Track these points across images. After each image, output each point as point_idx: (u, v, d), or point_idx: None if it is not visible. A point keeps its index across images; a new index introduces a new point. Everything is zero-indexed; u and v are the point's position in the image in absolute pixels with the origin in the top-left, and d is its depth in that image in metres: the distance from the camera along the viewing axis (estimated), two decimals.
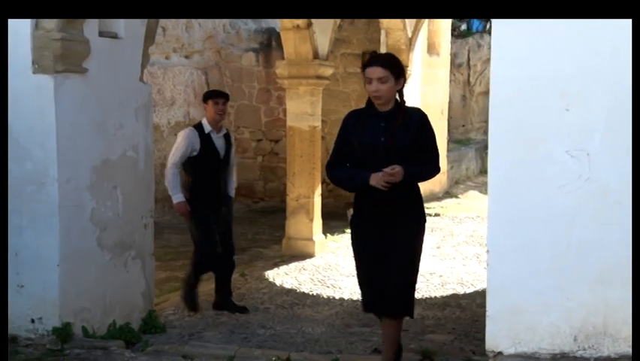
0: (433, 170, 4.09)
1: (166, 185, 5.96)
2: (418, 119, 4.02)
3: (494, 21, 3.63)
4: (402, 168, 3.87)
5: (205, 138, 5.96)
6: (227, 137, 6.18)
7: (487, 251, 3.73)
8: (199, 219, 5.98)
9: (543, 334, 3.65)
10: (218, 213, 6.06)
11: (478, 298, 6.68)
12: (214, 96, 6.09)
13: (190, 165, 5.96)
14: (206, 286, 6.48)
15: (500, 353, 3.67)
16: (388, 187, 3.86)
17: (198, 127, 6.04)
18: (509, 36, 3.60)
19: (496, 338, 3.69)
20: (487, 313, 3.70)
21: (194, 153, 5.93)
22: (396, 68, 3.98)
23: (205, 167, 5.96)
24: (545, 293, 3.63)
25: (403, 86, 4.05)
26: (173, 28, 10.86)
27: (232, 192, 6.29)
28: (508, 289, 3.67)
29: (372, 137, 3.97)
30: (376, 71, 3.90)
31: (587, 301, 3.59)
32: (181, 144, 5.93)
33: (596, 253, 3.56)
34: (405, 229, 4.00)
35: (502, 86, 3.63)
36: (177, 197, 5.92)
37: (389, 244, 3.99)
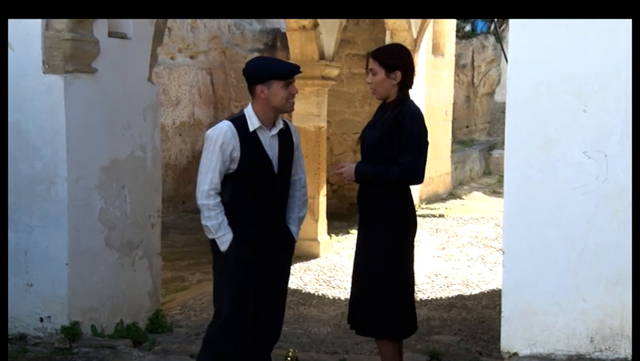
0: (400, 175, 3.58)
1: (203, 226, 3.61)
2: (398, 115, 3.62)
3: (512, 22, 3.63)
4: (351, 167, 3.71)
5: (249, 139, 3.55)
6: (284, 134, 3.69)
7: (503, 252, 3.74)
8: (234, 271, 3.59)
9: (559, 335, 3.65)
10: (269, 263, 3.65)
11: (483, 300, 6.69)
12: (288, 73, 3.58)
13: (226, 182, 3.60)
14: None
15: (515, 353, 3.68)
16: (345, 180, 3.75)
17: (238, 121, 3.58)
18: (526, 37, 3.60)
19: (511, 338, 3.69)
20: (503, 314, 3.71)
21: (232, 166, 3.55)
22: (386, 60, 3.67)
23: (250, 187, 3.58)
24: (561, 294, 3.64)
25: (405, 80, 3.70)
26: (178, 28, 10.89)
27: (296, 232, 3.82)
28: (523, 290, 3.68)
29: (366, 129, 3.84)
30: (370, 63, 3.75)
31: (604, 302, 3.60)
32: (211, 152, 3.52)
33: (613, 254, 3.57)
34: (367, 239, 3.74)
35: (518, 86, 3.64)
36: (224, 238, 3.56)
37: (358, 254, 3.81)
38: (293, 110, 3.80)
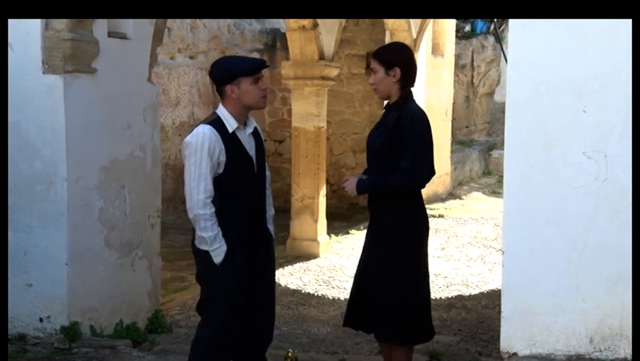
0: (400, 181, 3.55)
1: (197, 237, 3.49)
2: (398, 117, 3.58)
3: (511, 22, 3.63)
4: (353, 181, 3.68)
5: (231, 141, 3.48)
6: (256, 134, 3.66)
7: (502, 252, 3.73)
8: (227, 282, 3.51)
9: (558, 335, 3.65)
10: (256, 262, 3.60)
11: (483, 300, 6.70)
12: (255, 69, 3.52)
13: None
14: None
15: (515, 354, 3.68)
16: (349, 194, 3.77)
17: (216, 123, 3.48)
18: (526, 37, 3.60)
19: (510, 338, 3.69)
20: (502, 315, 3.71)
21: (219, 170, 3.46)
22: (384, 58, 3.65)
23: (234, 188, 3.50)
24: (561, 294, 3.64)
25: (406, 77, 3.66)
26: (178, 28, 10.88)
27: (273, 230, 3.79)
28: (523, 290, 3.67)
29: (372, 132, 3.81)
30: (371, 62, 3.73)
31: (604, 302, 3.60)
32: (199, 158, 3.40)
33: (613, 254, 3.56)
34: (371, 247, 3.75)
35: (518, 86, 3.63)
36: (219, 251, 3.47)
37: (363, 260, 3.81)
38: (265, 106, 3.72)
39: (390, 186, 3.59)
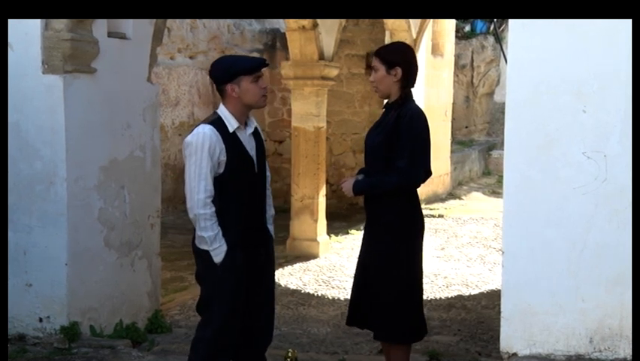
0: (397, 181, 3.56)
1: (198, 237, 3.48)
2: (397, 116, 3.59)
3: (511, 22, 3.63)
4: (350, 182, 3.70)
5: (232, 141, 3.48)
6: (257, 134, 3.65)
7: (502, 252, 3.73)
8: (227, 282, 3.51)
9: (558, 335, 3.66)
10: (256, 262, 3.60)
11: (483, 300, 6.70)
12: (255, 67, 3.51)
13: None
14: None
15: (515, 354, 3.69)
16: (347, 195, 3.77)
17: (217, 123, 3.48)
18: (526, 37, 3.60)
19: (510, 338, 3.69)
20: (502, 315, 3.71)
21: (219, 170, 3.46)
22: (386, 57, 3.66)
23: (235, 189, 3.50)
24: (560, 294, 3.64)
25: (407, 77, 3.67)
26: (177, 28, 10.88)
27: (273, 230, 3.78)
28: (522, 291, 3.68)
29: (371, 131, 3.81)
30: (373, 61, 3.74)
31: (603, 302, 3.60)
32: (200, 158, 3.40)
33: (613, 254, 3.57)
34: (369, 246, 3.75)
35: (518, 86, 3.64)
36: (219, 250, 3.46)
37: (361, 260, 3.81)
38: (266, 104, 3.71)
39: (386, 187, 3.61)
